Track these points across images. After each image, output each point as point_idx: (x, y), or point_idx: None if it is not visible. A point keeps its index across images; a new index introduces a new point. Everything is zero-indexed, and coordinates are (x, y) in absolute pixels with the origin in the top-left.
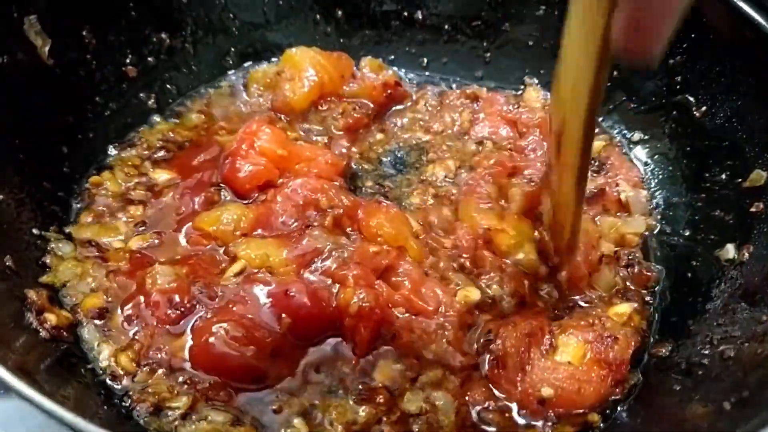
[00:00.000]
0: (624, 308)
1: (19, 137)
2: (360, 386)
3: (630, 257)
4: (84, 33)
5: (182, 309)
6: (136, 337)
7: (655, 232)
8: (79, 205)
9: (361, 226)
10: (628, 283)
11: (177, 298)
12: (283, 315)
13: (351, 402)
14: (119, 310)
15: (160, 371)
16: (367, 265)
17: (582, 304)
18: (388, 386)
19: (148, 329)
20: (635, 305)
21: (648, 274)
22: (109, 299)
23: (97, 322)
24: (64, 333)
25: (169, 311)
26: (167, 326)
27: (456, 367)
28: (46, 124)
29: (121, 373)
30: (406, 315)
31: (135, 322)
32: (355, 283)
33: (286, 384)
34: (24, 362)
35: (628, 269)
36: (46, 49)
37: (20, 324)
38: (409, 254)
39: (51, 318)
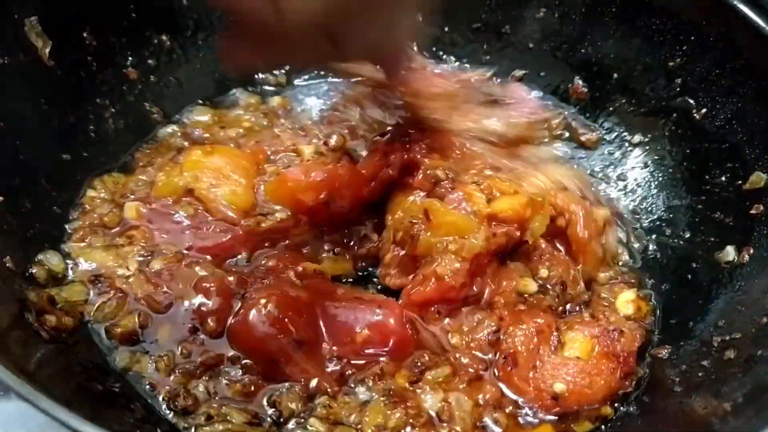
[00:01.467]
0: (629, 294)
1: (19, 139)
2: (390, 391)
3: None
4: (85, 35)
5: None
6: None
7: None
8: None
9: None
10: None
11: None
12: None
13: (382, 405)
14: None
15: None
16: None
17: (599, 287)
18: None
19: None
20: (638, 292)
21: None
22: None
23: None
24: (64, 335)
25: None
26: None
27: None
28: (47, 124)
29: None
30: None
31: None
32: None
33: (311, 383)
34: (24, 363)
35: None
36: (47, 50)
37: (20, 325)
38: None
39: (51, 319)
